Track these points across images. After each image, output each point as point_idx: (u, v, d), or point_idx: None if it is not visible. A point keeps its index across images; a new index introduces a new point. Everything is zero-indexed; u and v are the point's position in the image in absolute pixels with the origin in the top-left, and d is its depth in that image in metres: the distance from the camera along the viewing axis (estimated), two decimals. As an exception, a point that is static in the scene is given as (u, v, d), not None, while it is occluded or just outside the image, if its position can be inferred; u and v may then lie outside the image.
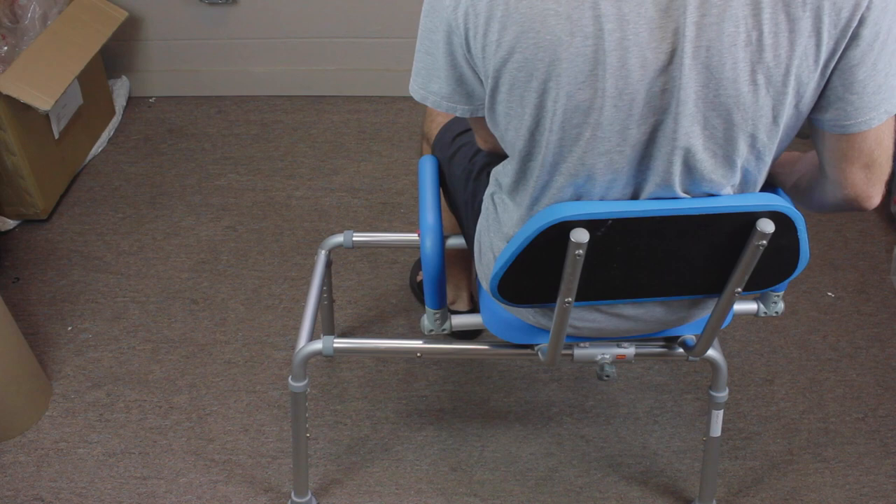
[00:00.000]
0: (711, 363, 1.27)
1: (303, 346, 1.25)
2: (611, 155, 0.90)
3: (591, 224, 0.91)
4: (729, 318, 1.18)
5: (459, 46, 0.91)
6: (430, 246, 1.16)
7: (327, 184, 2.25)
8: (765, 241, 0.94)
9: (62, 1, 2.15)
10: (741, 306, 1.27)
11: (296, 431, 1.35)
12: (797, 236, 0.99)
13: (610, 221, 0.92)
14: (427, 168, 1.31)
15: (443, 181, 1.34)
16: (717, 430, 1.33)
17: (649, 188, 0.93)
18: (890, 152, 0.96)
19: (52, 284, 1.93)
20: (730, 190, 0.96)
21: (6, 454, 1.56)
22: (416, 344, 1.31)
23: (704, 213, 0.93)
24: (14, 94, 1.87)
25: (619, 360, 1.21)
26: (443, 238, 1.19)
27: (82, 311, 1.86)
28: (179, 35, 2.49)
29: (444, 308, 1.22)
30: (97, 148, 2.34)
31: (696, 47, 0.82)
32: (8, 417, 1.57)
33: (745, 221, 0.94)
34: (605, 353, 1.20)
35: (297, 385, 1.28)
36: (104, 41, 2.22)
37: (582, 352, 1.20)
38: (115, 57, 2.50)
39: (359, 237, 1.47)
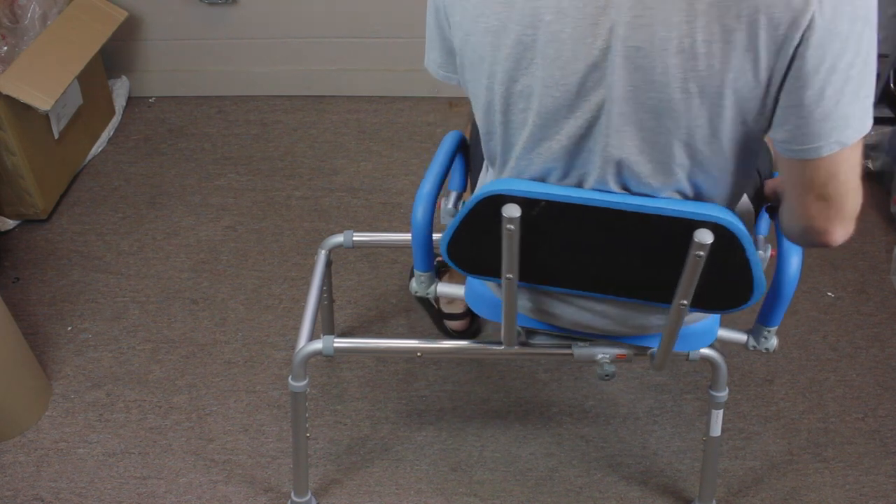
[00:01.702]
0: (711, 363, 1.27)
1: (303, 346, 1.25)
2: (551, 143, 0.93)
3: (525, 203, 0.94)
4: (710, 339, 1.20)
5: (444, 20, 0.96)
6: (420, 213, 1.19)
7: (327, 184, 2.25)
8: (702, 253, 0.92)
9: (62, 1, 2.15)
10: (730, 334, 1.24)
11: (296, 431, 1.35)
12: (746, 256, 0.95)
13: (543, 203, 0.94)
14: (447, 142, 1.31)
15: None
16: (717, 430, 1.33)
17: (589, 182, 0.95)
18: (850, 188, 0.90)
19: (52, 284, 1.93)
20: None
21: (6, 454, 1.56)
22: (416, 344, 1.31)
23: (635, 210, 0.92)
24: (14, 94, 1.87)
25: (618, 360, 1.22)
26: (434, 207, 1.21)
27: (82, 311, 1.86)
28: (179, 35, 2.49)
29: (431, 272, 1.25)
30: (97, 148, 2.34)
31: (628, 47, 0.83)
32: (8, 417, 1.57)
33: (684, 229, 0.92)
34: (605, 353, 1.20)
35: (297, 385, 1.28)
36: (104, 41, 2.22)
37: (581, 351, 1.20)
38: (115, 57, 2.50)
39: (359, 237, 1.47)
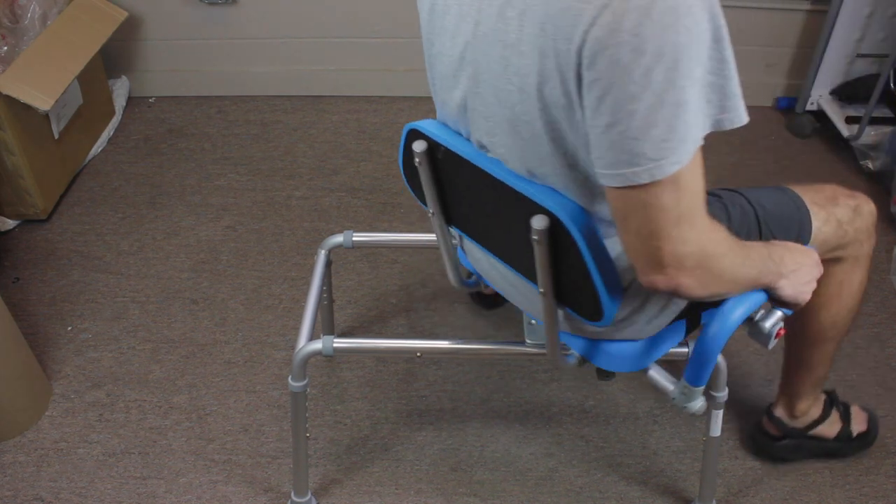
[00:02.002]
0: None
1: (303, 346, 1.25)
2: (450, 104, 1.03)
3: (432, 144, 1.05)
4: (634, 366, 1.16)
5: None
6: None
7: (327, 184, 2.25)
8: (536, 237, 0.93)
9: (62, 1, 2.15)
10: (658, 376, 1.18)
11: (296, 431, 1.35)
12: (581, 258, 0.93)
13: (443, 148, 1.04)
14: None
15: None
16: (717, 430, 1.33)
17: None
18: (655, 231, 0.84)
19: (52, 284, 1.93)
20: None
21: (6, 454, 1.56)
22: (416, 344, 1.31)
23: (490, 174, 0.98)
24: (14, 94, 1.87)
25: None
26: None
27: (82, 311, 1.86)
28: (179, 35, 2.49)
29: None
30: (97, 148, 2.34)
31: (478, 33, 0.90)
32: (8, 417, 1.57)
33: (530, 210, 0.94)
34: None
35: (297, 385, 1.28)
36: (104, 41, 2.22)
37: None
38: (115, 57, 2.51)
39: (359, 237, 1.47)
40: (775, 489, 1.51)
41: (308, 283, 1.39)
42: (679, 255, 0.86)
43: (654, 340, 1.15)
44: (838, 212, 1.22)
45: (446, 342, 1.34)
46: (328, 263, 1.47)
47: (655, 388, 1.17)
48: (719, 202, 1.17)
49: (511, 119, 0.92)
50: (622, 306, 1.08)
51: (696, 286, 0.89)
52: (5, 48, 1.93)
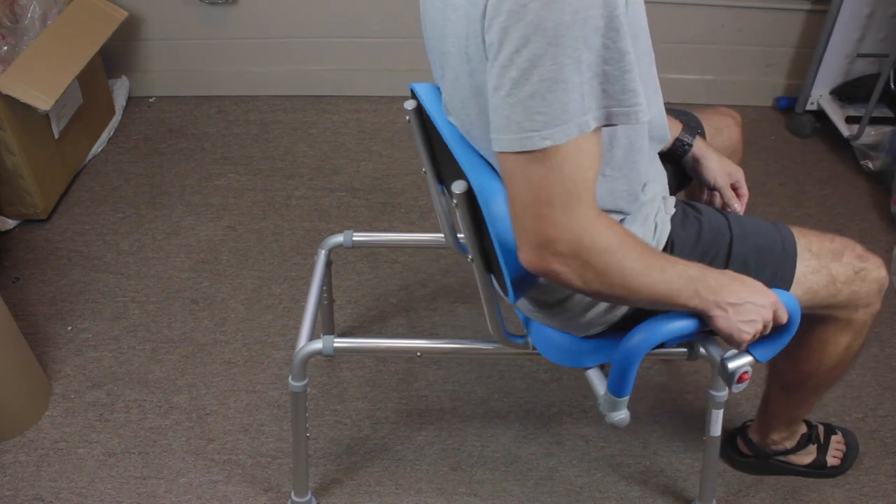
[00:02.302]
0: (711, 363, 1.27)
1: (303, 346, 1.25)
2: (435, 72, 1.08)
3: (419, 103, 1.14)
4: (577, 362, 1.16)
5: None
6: None
7: (327, 184, 2.25)
8: (455, 201, 0.98)
9: (62, 1, 2.15)
10: (595, 377, 1.15)
11: (296, 431, 1.35)
12: (487, 226, 0.95)
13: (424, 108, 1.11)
14: None
15: None
16: (717, 429, 1.33)
17: None
18: (525, 204, 0.85)
19: (52, 284, 1.93)
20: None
21: (6, 454, 1.56)
22: (416, 344, 1.31)
23: (442, 137, 1.03)
24: (14, 94, 1.87)
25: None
26: None
27: (82, 311, 1.86)
28: (179, 35, 2.49)
29: None
30: (97, 148, 2.34)
31: (438, 1, 0.94)
32: (8, 417, 1.57)
33: (461, 175, 0.99)
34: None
35: (297, 385, 1.28)
36: (104, 41, 2.22)
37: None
38: (115, 57, 2.51)
39: (359, 237, 1.47)
40: (775, 489, 1.51)
41: (308, 283, 1.39)
42: (549, 238, 0.86)
43: (598, 344, 1.13)
44: (836, 268, 1.15)
45: (446, 342, 1.34)
46: (328, 263, 1.47)
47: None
48: (696, 217, 1.13)
49: (452, 81, 0.97)
50: (547, 289, 1.08)
51: (573, 277, 0.89)
52: (5, 48, 1.93)
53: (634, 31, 0.88)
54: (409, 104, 1.15)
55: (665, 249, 1.10)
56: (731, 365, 1.06)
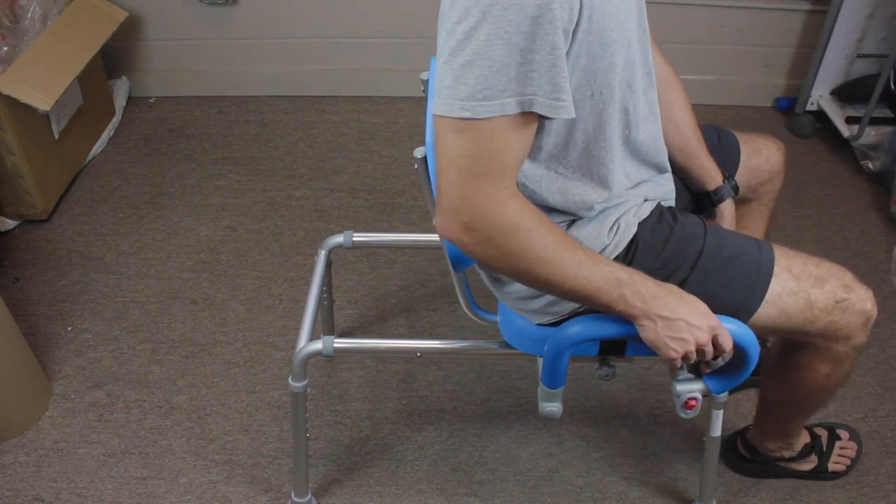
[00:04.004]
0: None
1: (303, 346, 1.25)
2: None
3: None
4: (536, 348, 1.16)
5: None
6: None
7: (327, 184, 2.25)
8: (416, 166, 1.05)
9: (62, 1, 2.15)
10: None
11: (296, 431, 1.35)
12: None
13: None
14: None
15: None
16: (717, 430, 1.33)
17: None
18: (442, 167, 0.88)
19: (52, 284, 1.93)
20: None
21: (6, 454, 1.56)
22: (416, 344, 1.31)
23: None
24: (14, 94, 1.87)
25: (619, 360, 1.21)
26: None
27: (82, 311, 1.86)
28: (179, 35, 2.49)
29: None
30: (97, 148, 2.34)
31: None
32: (8, 417, 1.57)
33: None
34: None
35: (297, 385, 1.28)
36: (104, 41, 2.22)
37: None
38: (115, 57, 2.51)
39: (359, 237, 1.47)
40: (775, 489, 1.51)
41: (308, 283, 1.39)
42: (455, 206, 0.89)
43: (549, 334, 1.10)
44: (816, 293, 1.09)
45: (446, 342, 1.34)
46: (328, 263, 1.47)
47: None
48: (670, 224, 1.10)
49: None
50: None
51: (476, 249, 0.92)
52: (5, 48, 1.93)
53: (602, 40, 0.90)
54: (424, 75, 1.25)
55: (627, 251, 1.08)
56: (679, 388, 1.06)
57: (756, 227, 1.44)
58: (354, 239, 1.47)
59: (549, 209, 1.06)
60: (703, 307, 0.99)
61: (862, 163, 2.27)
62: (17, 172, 1.98)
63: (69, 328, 1.82)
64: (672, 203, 1.19)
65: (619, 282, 0.96)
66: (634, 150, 1.08)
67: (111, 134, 2.42)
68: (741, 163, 1.34)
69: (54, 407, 1.65)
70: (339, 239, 1.47)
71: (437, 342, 1.33)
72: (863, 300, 1.11)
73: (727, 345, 1.00)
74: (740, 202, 1.34)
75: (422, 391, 1.69)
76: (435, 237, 1.50)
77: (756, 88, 2.55)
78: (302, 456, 1.39)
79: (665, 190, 1.17)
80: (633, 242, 1.08)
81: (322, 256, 1.45)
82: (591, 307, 1.01)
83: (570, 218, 1.08)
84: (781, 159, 1.42)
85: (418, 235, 1.58)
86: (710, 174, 1.26)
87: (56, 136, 2.11)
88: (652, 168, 1.14)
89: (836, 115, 2.36)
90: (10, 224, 2.07)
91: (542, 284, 0.96)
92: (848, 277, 1.11)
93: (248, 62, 2.55)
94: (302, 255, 2.01)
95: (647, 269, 1.02)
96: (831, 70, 2.38)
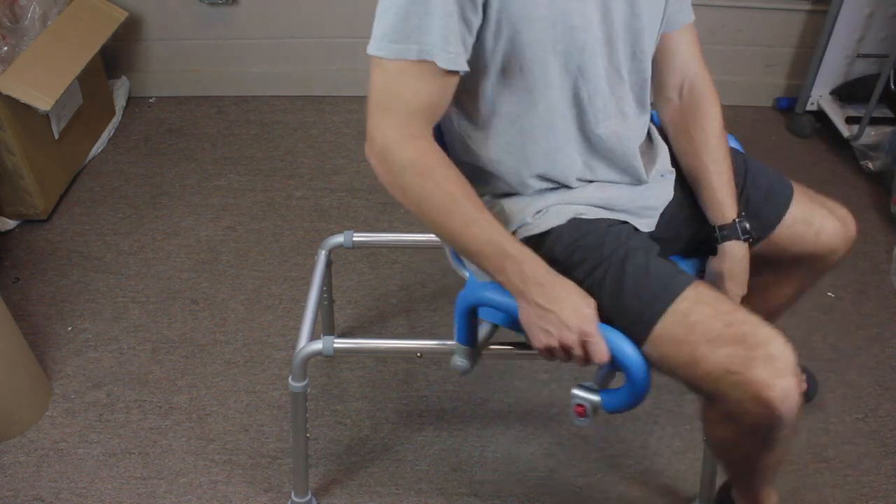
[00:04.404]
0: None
1: (303, 346, 1.25)
2: None
3: None
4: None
5: None
6: None
7: (327, 184, 2.25)
8: None
9: (62, 1, 2.15)
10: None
11: (296, 431, 1.35)
12: None
13: None
14: None
15: None
16: (717, 430, 1.33)
17: None
18: (367, 102, 1.03)
19: (52, 284, 1.93)
20: None
21: (6, 454, 1.56)
22: (416, 344, 1.31)
23: None
24: (14, 94, 1.87)
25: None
26: None
27: (82, 311, 1.86)
28: (179, 35, 2.49)
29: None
30: (97, 148, 2.34)
31: None
32: (8, 417, 1.57)
33: None
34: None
35: (297, 385, 1.28)
36: (104, 41, 2.22)
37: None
38: (115, 57, 2.51)
39: (359, 237, 1.47)
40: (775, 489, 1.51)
41: (308, 283, 1.39)
42: (370, 134, 1.02)
43: (467, 297, 1.10)
44: (703, 352, 0.94)
45: (446, 342, 1.33)
46: (328, 263, 1.47)
47: None
48: (595, 229, 1.07)
49: None
50: None
51: (383, 181, 1.01)
52: (5, 48, 1.93)
53: (524, 14, 0.95)
54: None
55: (542, 236, 1.07)
56: (573, 391, 1.03)
57: (774, 298, 1.34)
58: (354, 239, 1.47)
59: (491, 175, 1.11)
60: (585, 311, 0.96)
61: (862, 163, 2.27)
62: (17, 172, 1.98)
63: (69, 328, 1.82)
64: (651, 226, 1.15)
65: (505, 254, 0.96)
66: (597, 145, 1.09)
67: (111, 134, 2.42)
68: (783, 223, 1.20)
69: (54, 407, 1.65)
70: (339, 239, 1.47)
71: (437, 342, 1.33)
72: (764, 384, 0.91)
73: (597, 355, 0.96)
74: (769, 264, 1.24)
75: (422, 391, 1.69)
76: (435, 237, 1.50)
77: (756, 88, 2.55)
78: (302, 456, 1.39)
79: (641, 205, 1.13)
80: (553, 230, 1.07)
81: (322, 256, 1.45)
82: (478, 267, 1.03)
83: (510, 191, 1.12)
84: (840, 241, 1.23)
85: (418, 235, 1.57)
86: (721, 209, 1.16)
87: (56, 136, 2.11)
88: (623, 172, 1.12)
89: (836, 115, 2.36)
90: (10, 224, 2.07)
91: (436, 231, 1.00)
92: (770, 349, 0.93)
93: (248, 62, 2.55)
94: (302, 255, 2.01)
95: (550, 258, 1.00)
96: (831, 70, 2.38)
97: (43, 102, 1.92)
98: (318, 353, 1.25)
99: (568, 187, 1.11)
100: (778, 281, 1.33)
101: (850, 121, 2.32)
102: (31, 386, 1.61)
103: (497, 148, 1.08)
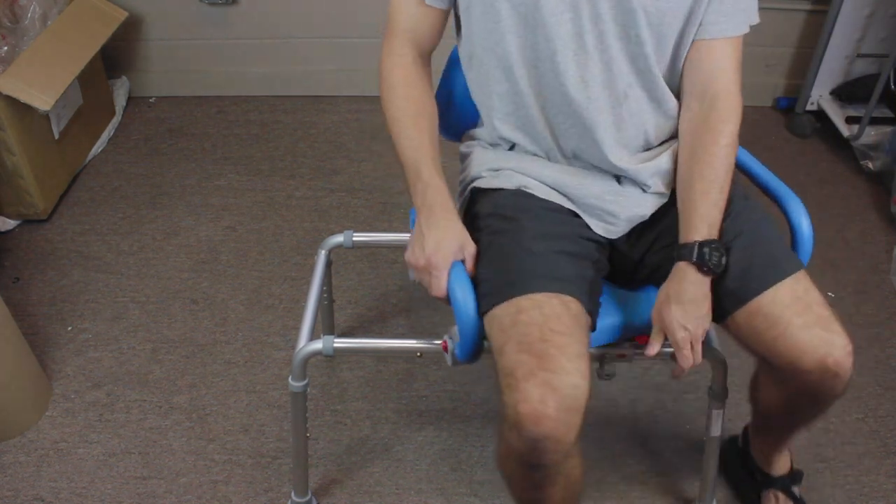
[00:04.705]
0: (712, 363, 1.27)
1: (303, 346, 1.25)
2: None
3: None
4: None
5: None
6: None
7: (327, 184, 2.25)
8: None
9: (62, 1, 2.15)
10: None
11: (296, 431, 1.35)
12: None
13: None
14: None
15: None
16: (717, 429, 1.33)
17: None
18: None
19: (52, 284, 1.93)
20: None
21: (6, 454, 1.56)
22: (416, 344, 1.31)
23: None
24: (14, 94, 1.87)
25: (619, 360, 1.21)
26: None
27: (82, 311, 1.86)
28: (179, 35, 2.49)
29: None
30: (97, 148, 2.34)
31: None
32: (8, 417, 1.57)
33: None
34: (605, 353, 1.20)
35: (297, 385, 1.28)
36: (104, 41, 2.22)
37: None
38: (115, 57, 2.51)
39: (359, 237, 1.47)
40: (775, 489, 1.51)
41: (308, 283, 1.39)
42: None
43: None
44: (499, 345, 1.00)
45: (446, 342, 1.33)
46: (328, 263, 1.47)
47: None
48: (513, 214, 1.11)
49: None
50: None
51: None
52: (5, 48, 1.93)
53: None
54: None
55: (489, 191, 1.17)
56: (451, 328, 1.12)
57: (765, 398, 1.23)
58: (354, 239, 1.47)
59: (479, 118, 1.24)
60: (446, 247, 1.05)
61: (862, 163, 2.27)
62: (17, 172, 1.98)
63: (69, 328, 1.82)
64: (612, 233, 1.14)
65: (418, 175, 1.10)
66: (551, 99, 1.11)
67: (111, 134, 2.42)
68: (749, 307, 1.06)
69: (54, 407, 1.65)
70: (339, 239, 1.47)
71: (437, 342, 1.33)
72: (524, 398, 0.92)
73: (433, 287, 1.07)
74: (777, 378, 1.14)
75: (422, 391, 1.69)
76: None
77: (756, 88, 2.55)
78: (302, 456, 1.39)
79: (602, 207, 1.13)
80: (482, 192, 1.18)
81: (322, 256, 1.45)
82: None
83: (489, 139, 1.21)
84: (810, 380, 1.04)
85: (418, 235, 1.57)
86: (689, 227, 1.07)
87: (56, 136, 2.11)
88: (582, 139, 1.12)
89: (836, 115, 2.36)
90: (10, 224, 2.07)
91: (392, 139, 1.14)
92: (557, 378, 0.93)
93: (248, 62, 2.55)
94: (302, 255, 2.01)
95: (482, 212, 1.14)
96: (831, 70, 2.38)
97: (43, 102, 1.92)
98: (317, 353, 1.25)
99: (537, 155, 1.18)
100: (767, 381, 1.21)
101: (850, 121, 2.32)
102: (31, 386, 1.61)
103: (473, 86, 1.20)
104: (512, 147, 1.20)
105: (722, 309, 1.08)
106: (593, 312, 1.07)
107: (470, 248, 1.07)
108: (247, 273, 1.97)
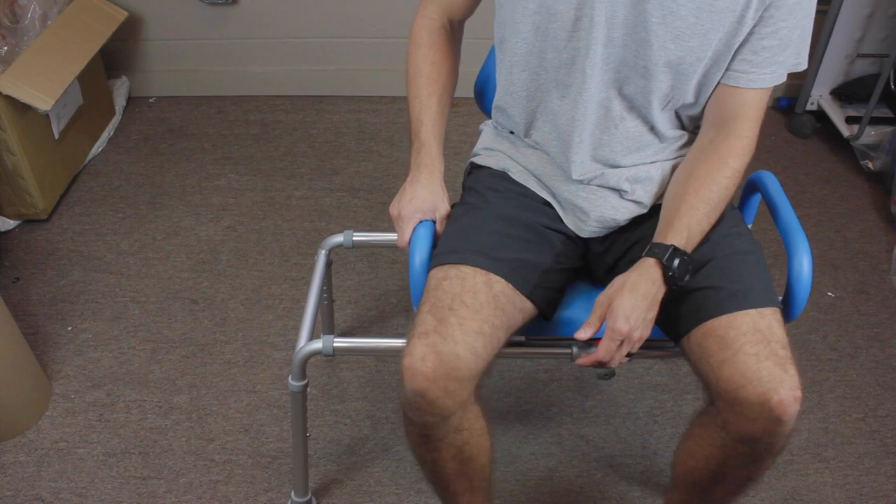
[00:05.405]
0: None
1: (303, 346, 1.25)
2: None
3: None
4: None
5: None
6: None
7: (327, 184, 2.25)
8: None
9: (62, 1, 2.15)
10: None
11: (296, 431, 1.35)
12: None
13: None
14: None
15: None
16: (717, 430, 1.33)
17: None
18: None
19: (52, 284, 1.93)
20: None
21: (6, 454, 1.56)
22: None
23: None
24: (14, 94, 1.87)
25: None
26: None
27: (82, 311, 1.86)
28: (179, 35, 2.49)
29: None
30: (97, 148, 2.34)
31: None
32: (8, 417, 1.57)
33: None
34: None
35: (297, 385, 1.28)
36: (104, 41, 2.22)
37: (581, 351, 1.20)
38: (115, 57, 2.51)
39: (359, 237, 1.47)
40: (775, 489, 1.51)
41: (308, 283, 1.39)
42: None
43: None
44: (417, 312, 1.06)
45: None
46: (328, 263, 1.47)
47: None
48: (495, 198, 1.18)
49: None
50: None
51: None
52: (5, 48, 1.93)
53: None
54: None
55: (481, 167, 1.26)
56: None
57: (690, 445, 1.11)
58: (354, 239, 1.47)
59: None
60: (418, 203, 1.13)
61: (862, 163, 2.27)
62: (17, 172, 1.98)
63: (69, 328, 1.82)
64: (582, 231, 1.16)
65: (417, 134, 1.17)
66: (541, 105, 1.16)
67: (111, 134, 2.42)
68: (699, 330, 1.02)
69: (54, 407, 1.65)
70: (339, 239, 1.47)
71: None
72: (404, 355, 0.99)
73: (398, 239, 1.15)
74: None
75: (422, 391, 1.69)
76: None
77: (756, 88, 2.54)
78: (302, 456, 1.39)
79: (573, 201, 1.16)
80: (486, 169, 1.25)
81: (322, 256, 1.45)
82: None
83: (504, 122, 1.25)
84: (743, 420, 0.97)
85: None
86: (666, 231, 1.05)
87: (56, 136, 2.11)
88: (558, 144, 1.15)
89: (836, 115, 2.36)
90: (10, 224, 2.07)
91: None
92: (445, 345, 0.97)
93: (248, 62, 2.55)
94: (302, 255, 2.01)
95: (467, 186, 1.24)
96: (831, 70, 2.38)
97: (43, 102, 1.92)
98: (317, 353, 1.25)
99: (528, 139, 1.22)
100: (699, 430, 1.09)
101: (850, 121, 2.32)
102: (31, 386, 1.61)
103: (499, 67, 1.22)
104: (512, 132, 1.26)
105: (679, 328, 1.05)
106: (539, 301, 1.10)
107: (441, 211, 1.15)
108: (247, 273, 1.97)
